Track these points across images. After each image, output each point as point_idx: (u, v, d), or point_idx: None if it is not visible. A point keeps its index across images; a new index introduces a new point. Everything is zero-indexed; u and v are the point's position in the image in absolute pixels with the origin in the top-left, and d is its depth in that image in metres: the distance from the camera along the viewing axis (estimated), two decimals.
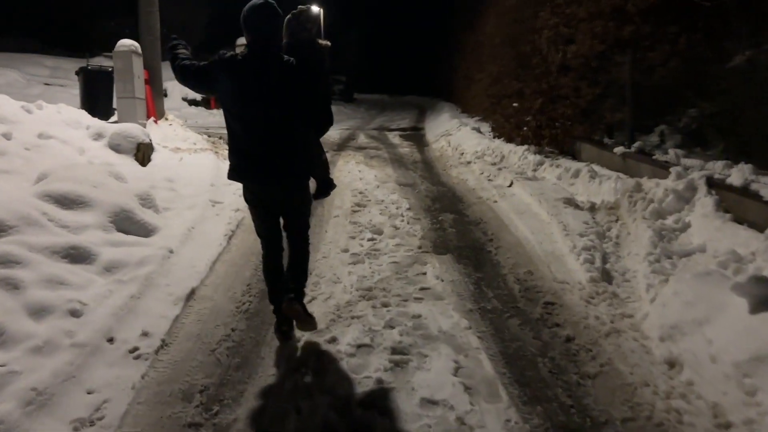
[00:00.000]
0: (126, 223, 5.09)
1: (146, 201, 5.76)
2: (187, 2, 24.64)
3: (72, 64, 18.61)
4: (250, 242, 5.25)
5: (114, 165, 7.38)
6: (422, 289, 4.15)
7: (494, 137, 11.40)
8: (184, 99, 17.92)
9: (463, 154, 9.77)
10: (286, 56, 3.16)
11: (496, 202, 6.72)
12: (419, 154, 10.90)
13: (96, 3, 23.53)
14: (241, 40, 3.69)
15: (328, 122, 3.75)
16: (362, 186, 7.74)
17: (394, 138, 14.04)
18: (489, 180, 7.84)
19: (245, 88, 3.08)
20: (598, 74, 8.07)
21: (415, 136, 14.62)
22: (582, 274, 4.29)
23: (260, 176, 3.23)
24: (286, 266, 3.49)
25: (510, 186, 7.24)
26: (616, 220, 5.61)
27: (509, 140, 10.23)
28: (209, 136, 10.49)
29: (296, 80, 3.13)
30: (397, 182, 8.08)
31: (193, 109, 17.79)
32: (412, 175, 8.69)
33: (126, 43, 8.71)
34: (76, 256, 4.16)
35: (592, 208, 5.94)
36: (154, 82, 9.54)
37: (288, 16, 3.76)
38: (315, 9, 4.25)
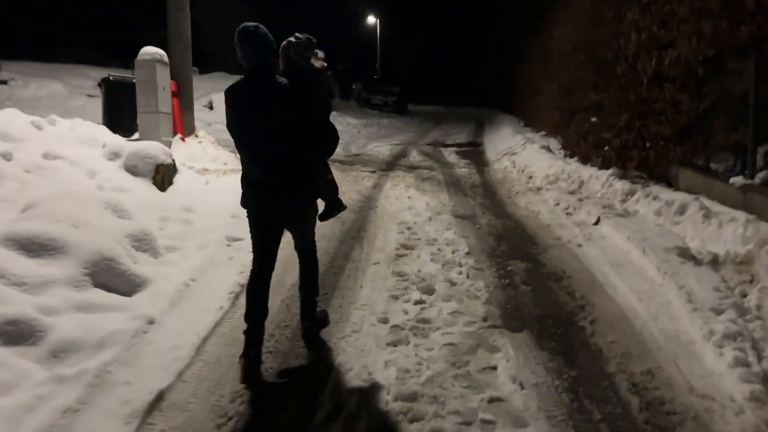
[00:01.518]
0: (106, 276, 3.99)
1: (142, 242, 4.67)
2: (242, 10, 24.14)
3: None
4: None
5: (125, 191, 6.39)
6: (492, 400, 2.82)
7: (565, 156, 9.95)
8: None
9: (531, 177, 8.34)
10: (279, 78, 3.23)
11: (580, 246, 5.31)
12: (479, 176, 9.52)
13: (149, 11, 23.37)
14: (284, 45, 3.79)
15: (333, 142, 3.73)
16: (411, 218, 6.47)
17: (450, 155, 12.70)
18: (567, 214, 6.41)
19: (243, 113, 3.19)
20: (704, 85, 6.53)
21: (474, 153, 13.23)
22: (733, 383, 2.87)
23: (264, 200, 3.29)
24: (299, 285, 3.59)
25: (596, 224, 5.80)
26: (751, 281, 4.13)
27: (585, 161, 8.76)
28: None
29: (290, 102, 3.20)
30: (453, 213, 6.76)
31: None
32: (471, 204, 7.35)
33: (149, 50, 7.78)
34: (15, 334, 3.05)
35: (714, 262, 4.46)
36: (183, 95, 8.58)
37: (284, 43, 3.72)
38: (308, 36, 3.75)
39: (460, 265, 4.81)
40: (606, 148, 8.12)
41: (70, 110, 13.45)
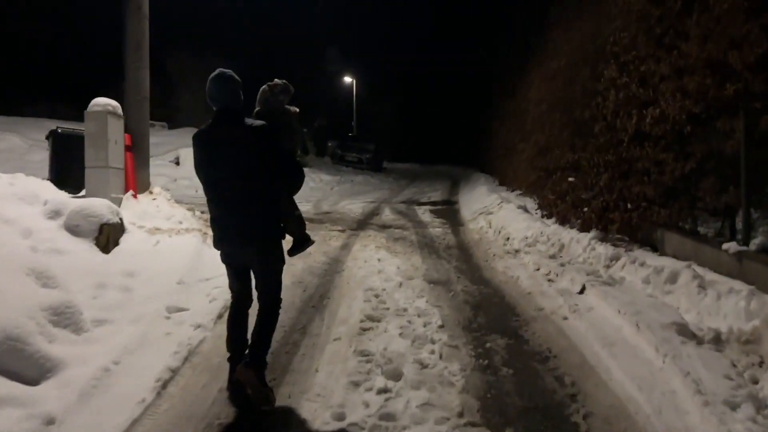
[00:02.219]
0: (9, 359, 3.32)
1: (63, 316, 4.01)
2: (215, 66, 23.98)
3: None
4: (197, 392, 3.40)
5: (62, 253, 5.73)
6: None
7: (543, 216, 9.58)
8: None
9: (509, 239, 7.88)
10: (248, 120, 3.31)
11: (566, 318, 4.78)
12: (454, 237, 9.05)
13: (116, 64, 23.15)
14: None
15: (299, 180, 3.83)
16: (380, 284, 5.90)
17: (425, 214, 12.27)
18: (549, 280, 5.91)
19: (209, 154, 3.26)
20: (690, 144, 6.23)
21: (449, 211, 12.83)
22: None
23: (229, 240, 3.35)
24: (252, 329, 3.42)
25: (582, 292, 5.30)
26: (761, 363, 3.64)
27: (563, 222, 8.38)
28: (204, 212, 8.90)
29: (257, 142, 3.23)
30: (426, 278, 6.22)
31: None
32: (445, 268, 6.82)
33: (101, 102, 7.27)
34: None
35: (717, 340, 3.97)
36: (138, 149, 8.04)
37: (263, 87, 3.87)
38: (285, 82, 4.06)
39: (433, 342, 4.23)
40: (585, 209, 7.74)
41: (28, 164, 12.75)
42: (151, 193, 8.12)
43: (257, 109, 3.81)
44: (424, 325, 4.60)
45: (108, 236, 6.41)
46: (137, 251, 6.52)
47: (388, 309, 5.05)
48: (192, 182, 16.20)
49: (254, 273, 3.47)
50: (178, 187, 15.67)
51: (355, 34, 35.00)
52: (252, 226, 3.27)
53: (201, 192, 11.52)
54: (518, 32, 16.19)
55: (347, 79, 37.42)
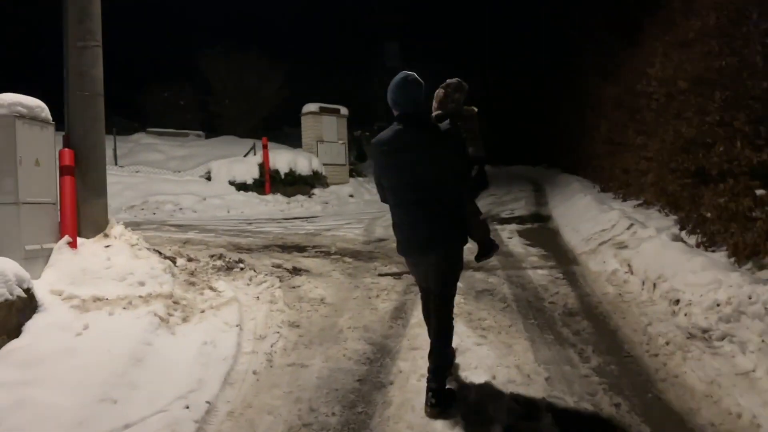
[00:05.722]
0: None
1: None
2: (258, 69, 21.54)
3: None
4: None
5: None
6: None
7: (699, 246, 6.30)
8: (232, 183, 14.03)
9: (679, 303, 4.57)
10: (435, 124, 3.43)
11: None
12: (570, 288, 5.79)
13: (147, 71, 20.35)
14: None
15: (482, 185, 3.82)
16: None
17: (512, 238, 8.97)
18: None
19: (395, 161, 3.27)
20: None
21: (545, 234, 9.50)
22: None
23: (414, 247, 3.34)
24: (429, 350, 3.36)
25: None
26: None
27: (739, 258, 5.13)
28: (216, 253, 6.10)
29: (445, 146, 3.26)
30: (552, 405, 3.13)
31: (241, 195, 13.83)
32: (581, 374, 3.68)
33: (6, 99, 4.58)
34: None
35: None
36: (87, 170, 5.34)
37: (437, 91, 3.87)
38: (458, 81, 3.88)
39: None
40: None
41: None
42: (106, 236, 5.38)
43: (437, 113, 3.78)
44: None
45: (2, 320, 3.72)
46: (42, 351, 3.79)
47: None
48: (224, 201, 13.63)
49: (431, 280, 3.38)
50: (206, 207, 13.15)
51: (411, 26, 31.70)
52: (438, 234, 3.23)
53: (233, 213, 8.99)
54: None
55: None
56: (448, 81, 3.85)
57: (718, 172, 6.58)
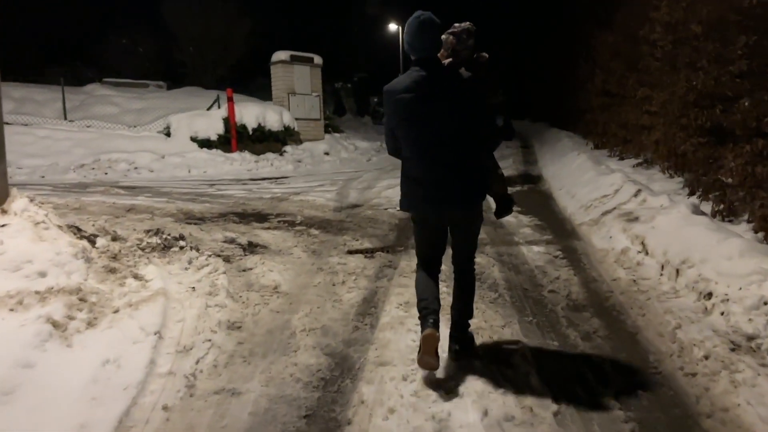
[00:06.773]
0: None
1: None
2: (225, 14, 19.92)
3: (49, 95, 14.11)
4: None
5: None
6: None
7: (715, 215, 5.49)
8: (194, 139, 12.80)
9: (711, 297, 3.68)
10: (457, 70, 3.14)
11: None
12: (574, 272, 4.86)
13: (103, 16, 19.01)
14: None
15: (508, 136, 3.54)
16: None
17: None
18: None
19: (413, 110, 2.99)
20: None
21: (538, 198, 8.54)
22: None
23: (433, 202, 3.07)
24: (452, 302, 3.30)
25: None
26: None
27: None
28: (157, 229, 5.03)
29: (471, 96, 3.03)
30: None
31: (204, 153, 12.64)
32: (599, 403, 2.79)
33: None
34: None
35: None
36: None
37: (444, 36, 3.47)
38: (468, 25, 3.33)
39: None
40: None
41: None
42: (4, 212, 4.32)
43: (448, 60, 3.45)
44: None
45: None
46: None
47: None
48: (184, 160, 12.43)
49: (458, 237, 3.23)
50: (165, 166, 11.97)
51: None
52: (466, 189, 3.03)
53: (195, 173, 7.35)
54: None
55: (392, 27, 32.49)
56: (458, 25, 3.54)
57: (741, 131, 5.65)
